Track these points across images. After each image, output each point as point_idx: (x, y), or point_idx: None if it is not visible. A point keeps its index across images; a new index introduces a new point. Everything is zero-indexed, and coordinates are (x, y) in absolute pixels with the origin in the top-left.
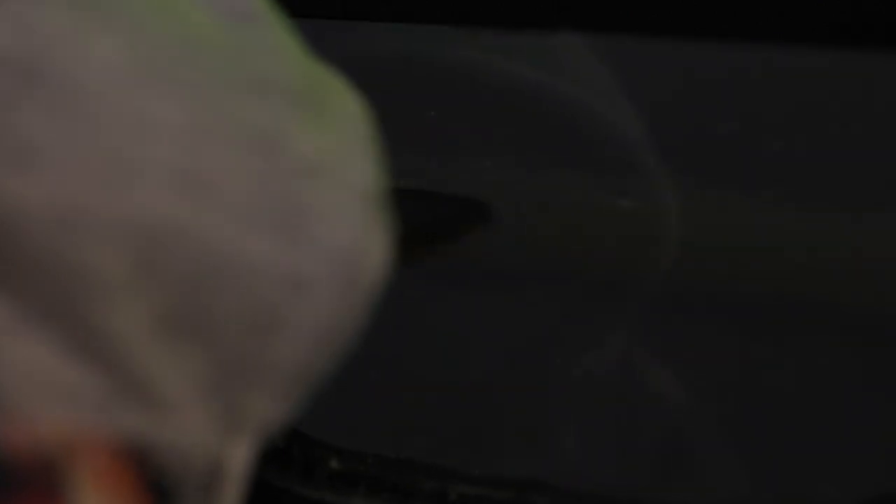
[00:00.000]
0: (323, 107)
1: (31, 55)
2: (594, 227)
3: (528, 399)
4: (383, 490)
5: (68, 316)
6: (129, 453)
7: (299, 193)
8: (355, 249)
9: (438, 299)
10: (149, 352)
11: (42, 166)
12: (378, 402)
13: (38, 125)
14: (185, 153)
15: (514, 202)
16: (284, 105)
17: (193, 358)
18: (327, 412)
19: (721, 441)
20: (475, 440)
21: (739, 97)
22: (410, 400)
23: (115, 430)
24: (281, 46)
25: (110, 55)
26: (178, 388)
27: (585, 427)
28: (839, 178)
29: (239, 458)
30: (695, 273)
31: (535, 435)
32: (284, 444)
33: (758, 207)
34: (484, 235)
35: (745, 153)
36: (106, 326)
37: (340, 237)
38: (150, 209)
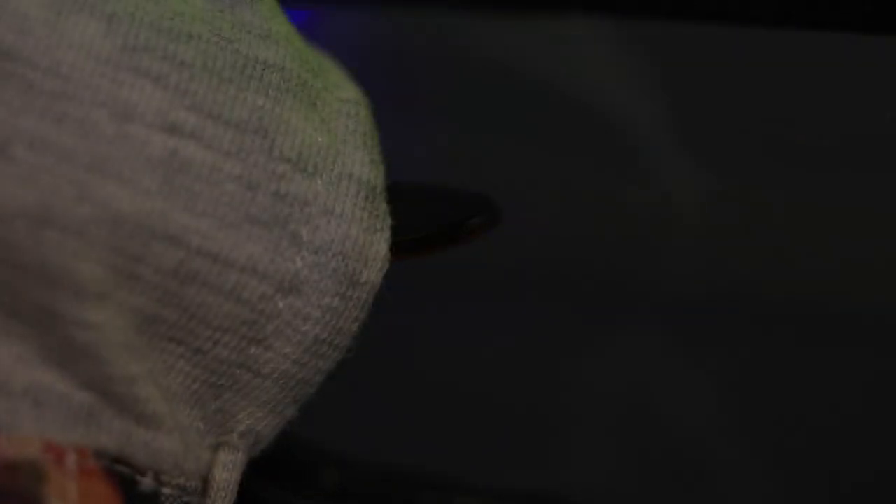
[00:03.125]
0: (318, 96)
1: (7, 35)
2: (609, 224)
3: (537, 407)
4: (383, 503)
5: (44, 323)
6: (109, 468)
7: (291, 190)
8: (352, 248)
9: (441, 301)
10: (130, 360)
11: (13, 159)
12: (377, 409)
13: (10, 110)
14: (167, 145)
15: (523, 197)
16: (278, 93)
17: (178, 365)
18: (324, 420)
19: (740, 450)
20: (480, 450)
21: (765, 86)
22: (412, 407)
23: (93, 443)
24: (275, 31)
25: (91, 38)
26: (162, 398)
27: (597, 436)
28: (868, 172)
29: (227, 468)
30: (714, 272)
31: (543, 445)
32: (278, 454)
33: (783, 203)
34: (492, 234)
35: (770, 146)
36: (83, 334)
37: (335, 235)
38: (129, 207)
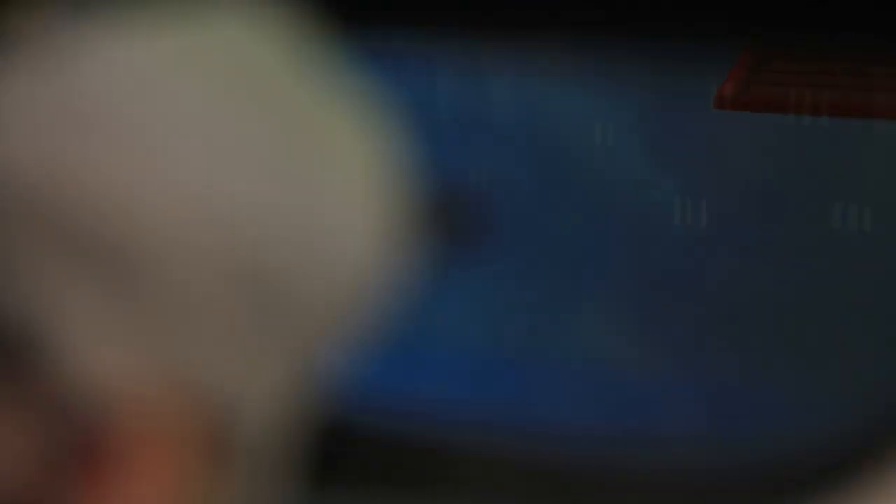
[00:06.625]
0: (341, 114)
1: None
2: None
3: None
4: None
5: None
6: (189, 402)
7: (314, 202)
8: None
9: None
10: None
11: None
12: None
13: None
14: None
15: (509, 189)
16: (306, 112)
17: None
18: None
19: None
20: None
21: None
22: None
23: (169, 368)
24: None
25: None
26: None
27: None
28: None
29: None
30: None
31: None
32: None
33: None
34: (475, 220)
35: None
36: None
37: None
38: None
